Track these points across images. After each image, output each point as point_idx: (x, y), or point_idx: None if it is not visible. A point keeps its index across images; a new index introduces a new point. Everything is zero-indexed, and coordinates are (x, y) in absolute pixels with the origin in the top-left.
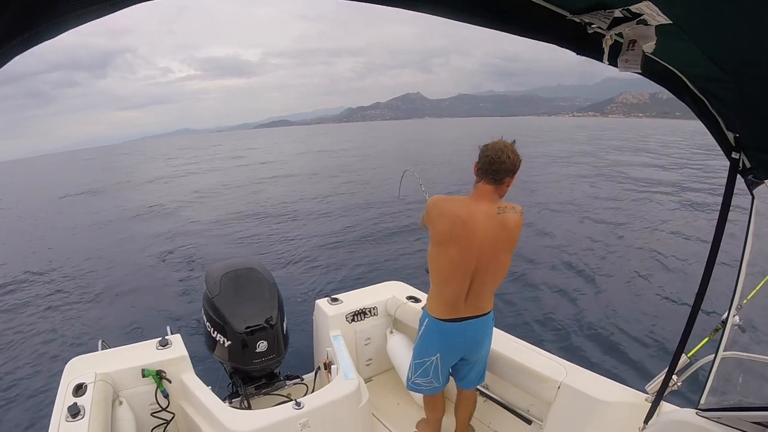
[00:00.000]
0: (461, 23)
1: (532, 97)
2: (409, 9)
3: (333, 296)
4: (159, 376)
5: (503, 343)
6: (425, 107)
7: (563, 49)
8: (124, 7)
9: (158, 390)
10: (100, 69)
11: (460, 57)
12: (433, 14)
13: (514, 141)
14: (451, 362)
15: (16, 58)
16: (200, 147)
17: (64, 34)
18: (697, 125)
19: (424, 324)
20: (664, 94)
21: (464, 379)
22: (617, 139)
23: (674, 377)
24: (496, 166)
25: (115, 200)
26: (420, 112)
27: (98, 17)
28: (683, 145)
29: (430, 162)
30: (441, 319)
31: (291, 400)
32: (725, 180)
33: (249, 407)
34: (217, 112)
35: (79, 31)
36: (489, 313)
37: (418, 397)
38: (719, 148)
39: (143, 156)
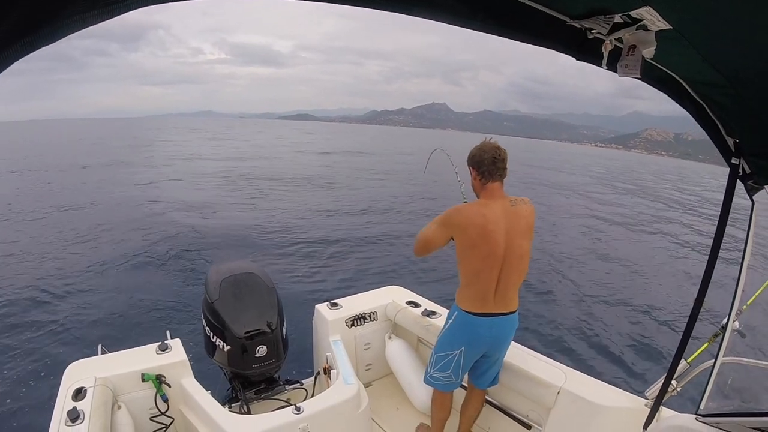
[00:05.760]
0: (491, 35)
1: (556, 122)
2: (411, 14)
3: (333, 301)
4: (158, 380)
5: None
6: (449, 119)
7: (571, 58)
8: (123, 13)
9: (158, 394)
10: (132, 42)
11: (489, 73)
12: (434, 20)
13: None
14: (473, 358)
15: None
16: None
17: None
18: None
19: (453, 317)
20: (689, 134)
21: (481, 377)
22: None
23: (674, 382)
24: (500, 163)
25: (116, 188)
26: (443, 123)
27: (98, 22)
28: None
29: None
30: (470, 313)
31: (290, 404)
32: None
33: (248, 412)
34: (242, 99)
35: None
36: (515, 312)
37: (418, 402)
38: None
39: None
